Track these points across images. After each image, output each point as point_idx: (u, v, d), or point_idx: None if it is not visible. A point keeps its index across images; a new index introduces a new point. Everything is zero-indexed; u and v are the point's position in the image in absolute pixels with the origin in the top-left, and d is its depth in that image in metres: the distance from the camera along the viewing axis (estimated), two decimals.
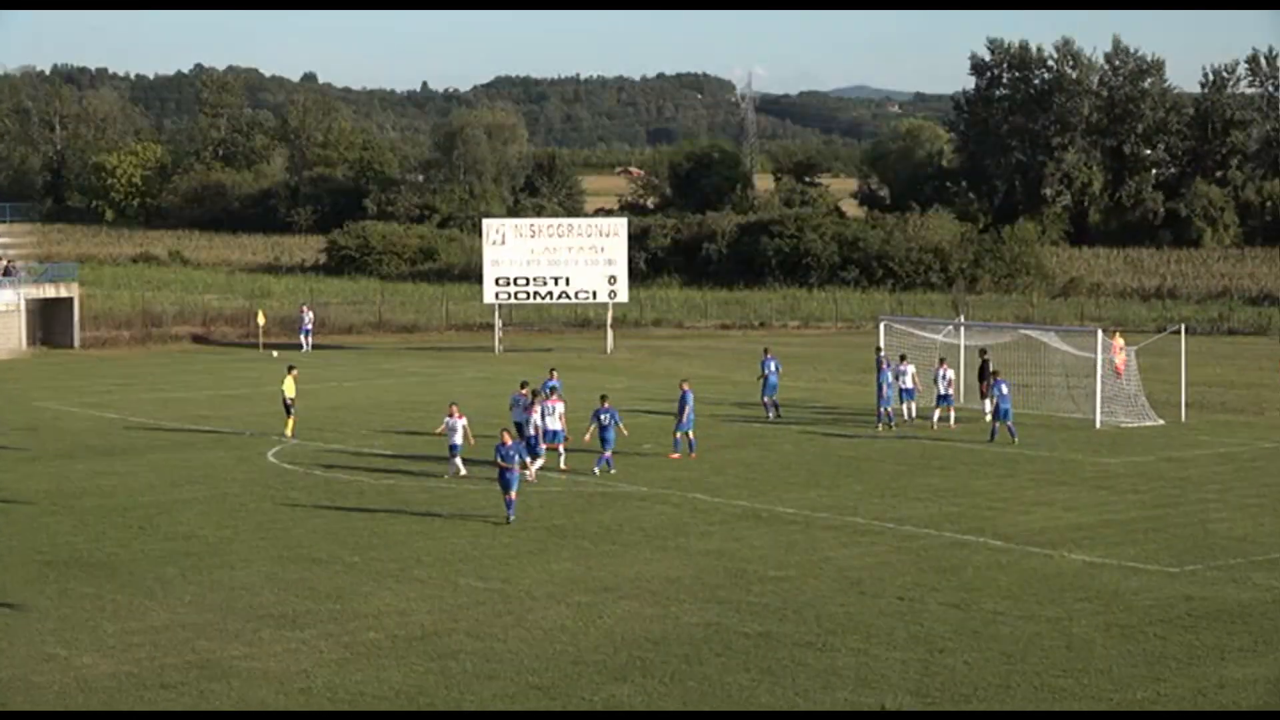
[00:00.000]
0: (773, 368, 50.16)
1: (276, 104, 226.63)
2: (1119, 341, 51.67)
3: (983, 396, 49.12)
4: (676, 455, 41.83)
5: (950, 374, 48.72)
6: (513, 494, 33.50)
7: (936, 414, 48.17)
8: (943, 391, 48.24)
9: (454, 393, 57.01)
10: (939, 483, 38.52)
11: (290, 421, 46.00)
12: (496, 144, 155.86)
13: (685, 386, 42.91)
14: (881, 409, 47.86)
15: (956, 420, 48.05)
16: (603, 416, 39.91)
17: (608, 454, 39.61)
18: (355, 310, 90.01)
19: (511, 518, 33.30)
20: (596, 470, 39.25)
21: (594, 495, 36.93)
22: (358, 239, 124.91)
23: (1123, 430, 47.73)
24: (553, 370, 46.83)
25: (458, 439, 38.64)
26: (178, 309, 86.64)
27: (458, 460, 38.81)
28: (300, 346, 75.24)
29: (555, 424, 39.43)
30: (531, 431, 39.08)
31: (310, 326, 77.09)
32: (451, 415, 38.86)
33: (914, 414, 49.18)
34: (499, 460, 33.54)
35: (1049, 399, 52.42)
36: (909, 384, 49.08)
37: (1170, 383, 53.92)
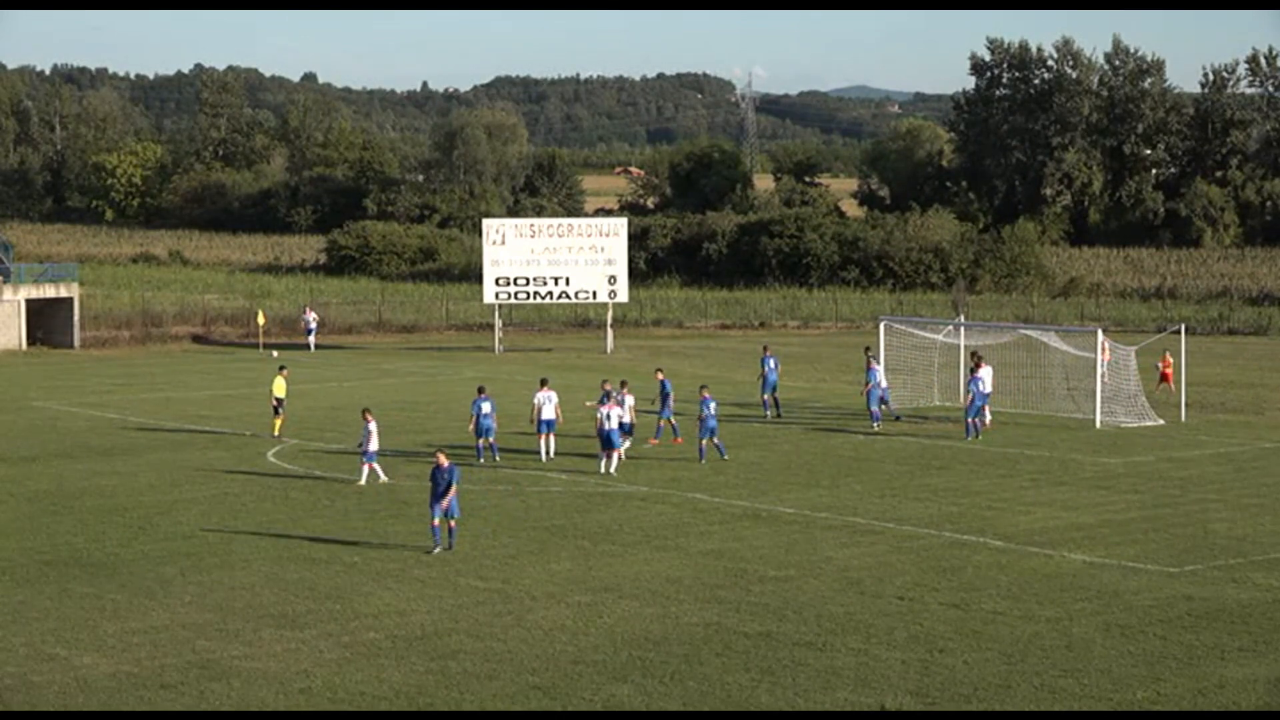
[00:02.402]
0: (772, 365, 50.24)
1: (276, 104, 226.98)
2: (1106, 343, 51.52)
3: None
4: (656, 441, 43.19)
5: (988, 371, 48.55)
6: (441, 521, 30.50)
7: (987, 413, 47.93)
8: (985, 390, 47.83)
9: (454, 393, 57.08)
10: (939, 483, 38.52)
11: (278, 421, 45.96)
12: (496, 144, 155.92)
13: (660, 375, 45.04)
14: (872, 408, 47.99)
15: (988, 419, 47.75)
16: (702, 408, 41.17)
17: (704, 442, 41.32)
18: (355, 310, 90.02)
19: (442, 547, 30.44)
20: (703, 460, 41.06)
21: (594, 495, 36.94)
22: (358, 239, 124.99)
23: (1123, 430, 47.72)
24: (659, 370, 47.03)
25: (372, 445, 38.35)
26: (178, 309, 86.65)
27: (375, 466, 38.45)
28: (308, 347, 75.19)
29: (614, 422, 39.70)
30: (608, 426, 39.48)
31: (315, 326, 77.08)
32: (366, 420, 38.69)
33: (891, 413, 49.09)
34: (433, 485, 30.63)
35: (1049, 399, 52.41)
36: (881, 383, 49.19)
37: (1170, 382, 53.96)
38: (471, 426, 41.34)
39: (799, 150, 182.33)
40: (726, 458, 41.39)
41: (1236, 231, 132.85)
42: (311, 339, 76.46)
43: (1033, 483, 38.66)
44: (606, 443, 39.56)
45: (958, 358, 53.05)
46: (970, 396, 45.99)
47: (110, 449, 44.30)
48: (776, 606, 26.49)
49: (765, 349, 51.89)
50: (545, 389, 41.81)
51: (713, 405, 41.45)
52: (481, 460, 40.97)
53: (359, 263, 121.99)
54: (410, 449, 43.49)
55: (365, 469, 38.46)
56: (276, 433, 45.75)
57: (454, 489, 30.48)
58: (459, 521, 30.89)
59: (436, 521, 30.55)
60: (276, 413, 45.97)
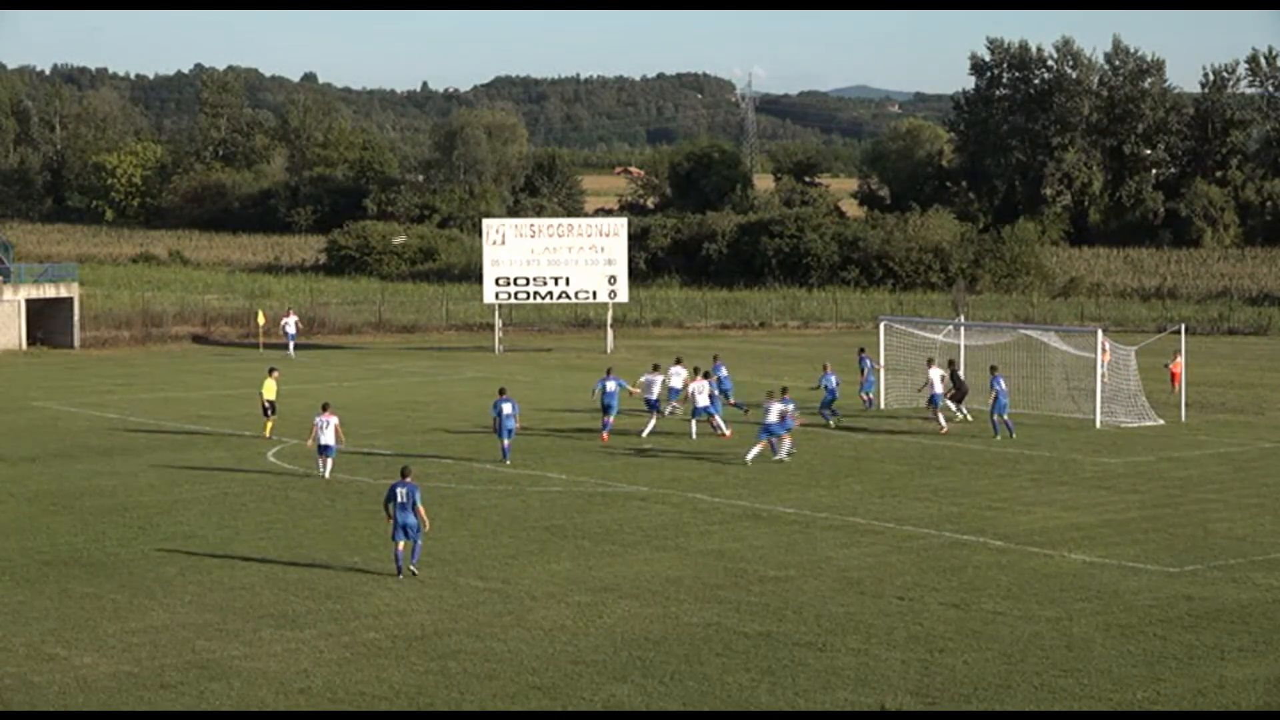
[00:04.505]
0: (724, 373, 50.54)
1: (276, 104, 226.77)
2: (1106, 343, 51.46)
3: (957, 401, 48.77)
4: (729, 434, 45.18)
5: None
6: (403, 545, 28.21)
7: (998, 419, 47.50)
8: (936, 390, 47.81)
9: (455, 393, 57.11)
10: (939, 483, 38.53)
11: (269, 423, 45.83)
12: (496, 144, 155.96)
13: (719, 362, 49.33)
14: (823, 410, 48.52)
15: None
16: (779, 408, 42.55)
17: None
18: (355, 310, 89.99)
19: (411, 570, 28.27)
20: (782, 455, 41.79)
21: (594, 495, 36.94)
22: (358, 239, 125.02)
23: (1123, 430, 47.72)
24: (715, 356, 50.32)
25: (327, 439, 38.28)
26: (178, 309, 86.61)
27: (329, 461, 38.45)
28: (285, 347, 74.33)
29: (704, 400, 45.29)
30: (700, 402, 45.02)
31: (294, 331, 75.97)
32: (322, 414, 38.61)
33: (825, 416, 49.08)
34: (388, 506, 28.43)
35: (1049, 399, 52.41)
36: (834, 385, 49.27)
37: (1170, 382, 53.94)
38: (495, 427, 41.36)
39: (799, 150, 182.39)
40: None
41: (1236, 231, 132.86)
42: (291, 344, 74.74)
43: (1033, 483, 38.66)
44: (700, 413, 44.65)
45: (958, 358, 52.99)
46: (994, 395, 45.84)
47: (110, 449, 44.29)
48: (776, 606, 26.48)
49: (715, 358, 52.67)
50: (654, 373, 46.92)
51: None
52: (509, 461, 40.86)
53: (359, 263, 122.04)
54: (410, 450, 43.51)
55: (329, 463, 38.52)
56: (268, 434, 45.65)
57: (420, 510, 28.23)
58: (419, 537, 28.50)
59: (401, 546, 28.22)
60: (267, 414, 45.84)
